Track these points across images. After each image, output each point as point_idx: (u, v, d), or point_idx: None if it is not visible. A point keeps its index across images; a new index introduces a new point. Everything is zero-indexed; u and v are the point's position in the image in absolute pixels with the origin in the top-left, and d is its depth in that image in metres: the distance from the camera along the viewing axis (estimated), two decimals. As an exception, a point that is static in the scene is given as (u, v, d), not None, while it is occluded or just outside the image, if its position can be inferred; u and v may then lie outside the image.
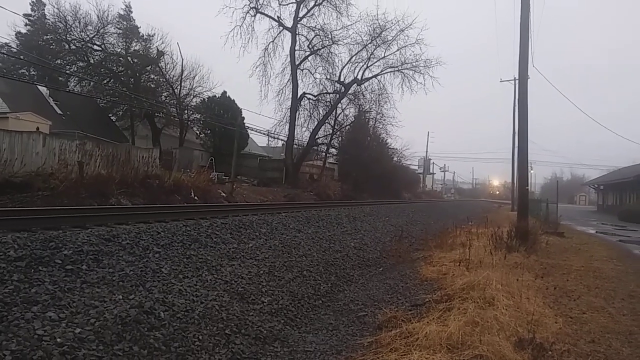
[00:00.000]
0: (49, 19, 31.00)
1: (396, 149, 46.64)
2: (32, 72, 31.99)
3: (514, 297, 6.17)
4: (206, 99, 34.17)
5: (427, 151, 73.16)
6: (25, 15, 30.85)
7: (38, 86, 28.73)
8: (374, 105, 36.98)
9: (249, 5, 31.37)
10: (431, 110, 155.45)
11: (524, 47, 13.87)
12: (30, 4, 32.12)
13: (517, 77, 16.86)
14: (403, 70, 33.79)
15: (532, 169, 44.39)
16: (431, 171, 79.17)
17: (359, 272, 9.97)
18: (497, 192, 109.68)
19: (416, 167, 68.21)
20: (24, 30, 30.92)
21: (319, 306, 7.38)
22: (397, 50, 33.43)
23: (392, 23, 32.72)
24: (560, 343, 4.83)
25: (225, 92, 34.29)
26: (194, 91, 33.87)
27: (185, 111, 33.21)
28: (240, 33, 31.76)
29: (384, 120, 38.19)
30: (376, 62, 34.25)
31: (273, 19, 32.58)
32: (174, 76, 32.64)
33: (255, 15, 31.90)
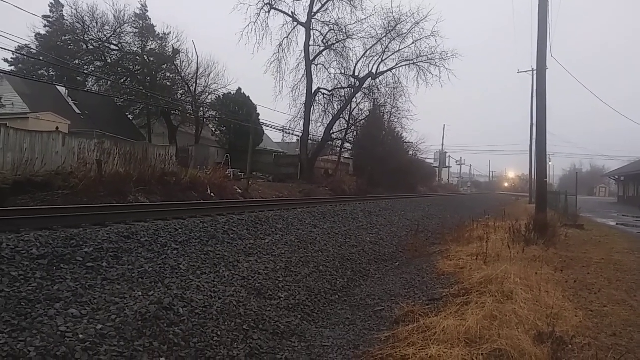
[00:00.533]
0: (67, 20, 31.62)
1: (412, 142, 46.49)
2: (52, 73, 32.63)
3: (533, 291, 6.09)
4: (221, 96, 34.43)
5: (442, 144, 72.58)
6: (44, 16, 31.51)
7: (57, 86, 29.28)
8: (389, 99, 36.87)
9: (263, 1, 31.50)
10: (447, 103, 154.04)
11: (542, 37, 13.61)
12: (49, 5, 32.82)
13: (534, 68, 16.58)
14: (418, 63, 33.59)
15: (550, 161, 43.62)
16: (447, 164, 78.48)
17: (375, 266, 9.95)
18: (513, 185, 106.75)
19: (432, 161, 67.71)
20: (43, 32, 31.58)
21: (336, 301, 7.39)
22: (412, 43, 33.27)
23: (407, 16, 32.55)
24: (581, 337, 4.75)
25: (240, 89, 34.52)
26: (210, 88, 34.23)
27: (201, 108, 33.52)
28: (255, 29, 31.92)
29: (399, 114, 38.04)
30: (391, 55, 34.13)
31: (287, 14, 32.63)
32: (189, 74, 33.00)
33: (269, 12, 32.01)
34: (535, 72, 15.54)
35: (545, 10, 13.65)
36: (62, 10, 32.37)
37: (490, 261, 8.08)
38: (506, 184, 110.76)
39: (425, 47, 33.04)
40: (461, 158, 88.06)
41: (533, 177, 34.97)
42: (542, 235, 11.30)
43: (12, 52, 26.34)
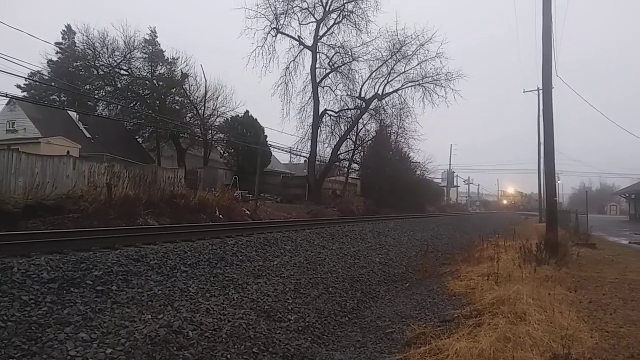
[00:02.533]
0: (78, 47, 32.31)
1: (419, 162, 46.54)
2: (63, 98, 33.18)
3: (546, 312, 5.99)
4: (229, 119, 34.82)
5: (450, 164, 72.36)
6: (56, 43, 32.20)
7: (68, 111, 29.75)
8: (395, 120, 37.13)
9: (270, 26, 32.12)
10: (454, 122, 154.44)
11: (546, 57, 13.65)
12: (61, 32, 33.58)
13: (540, 88, 16.62)
14: (424, 84, 33.88)
15: (559, 179, 43.32)
16: (455, 184, 78.16)
17: (385, 287, 9.85)
18: (513, 202, 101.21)
19: (439, 180, 67.47)
20: (55, 58, 32.21)
21: (346, 323, 7.31)
22: (418, 64, 33.64)
23: (411, 38, 32.97)
24: (597, 359, 4.65)
25: (247, 112, 34.90)
26: (218, 111, 34.65)
27: (209, 131, 33.83)
28: (262, 53, 32.46)
29: (406, 134, 38.21)
30: (396, 76, 34.48)
31: (294, 38, 33.20)
32: (197, 97, 33.47)
33: (276, 36, 32.62)
34: (541, 91, 15.53)
35: (549, 31, 13.74)
36: (73, 37, 33.12)
37: (501, 281, 7.97)
38: (505, 202, 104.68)
39: (431, 68, 33.41)
40: (469, 177, 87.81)
41: (542, 196, 34.70)
42: (554, 255, 11.15)
43: (25, 78, 26.91)
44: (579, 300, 7.07)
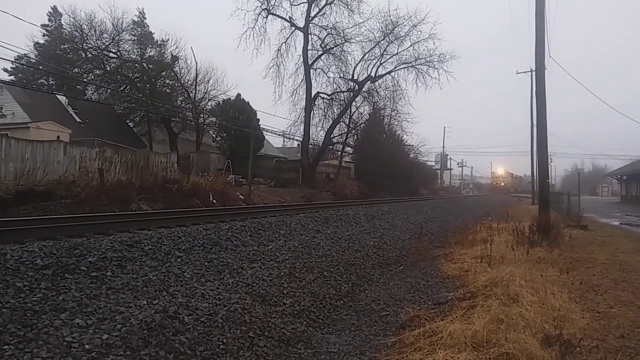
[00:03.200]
0: (65, 29, 31.70)
1: (412, 145, 46.53)
2: (51, 82, 32.68)
3: (539, 293, 6.07)
4: (221, 102, 34.48)
5: (443, 147, 72.53)
6: (42, 25, 31.57)
7: (57, 95, 29.32)
8: (388, 102, 36.92)
9: (260, 6, 31.60)
10: (447, 104, 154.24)
11: (539, 38, 13.62)
12: (47, 14, 32.88)
13: (533, 69, 16.58)
14: (417, 66, 33.69)
15: (552, 162, 43.59)
16: (449, 167, 78.46)
17: (380, 271, 9.93)
18: (503, 184, 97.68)
19: (433, 163, 67.69)
20: (42, 41, 31.62)
21: (341, 306, 7.37)
22: (410, 46, 33.35)
23: (404, 19, 32.63)
24: (589, 339, 4.73)
25: (239, 95, 34.53)
26: (209, 95, 34.29)
27: (201, 115, 33.55)
28: (253, 35, 32.07)
29: (399, 117, 38.06)
30: (389, 58, 34.21)
31: (285, 19, 32.74)
32: (188, 80, 33.06)
33: (267, 17, 32.13)
34: (534, 72, 15.51)
35: (542, 12, 13.67)
36: (60, 19, 32.43)
37: (494, 263, 8.06)
38: (494, 183, 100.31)
39: (424, 50, 33.17)
40: (462, 160, 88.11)
41: (535, 177, 34.95)
42: (546, 237, 11.27)
43: (12, 61, 26.50)
44: (571, 281, 7.16)
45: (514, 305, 5.50)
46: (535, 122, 17.90)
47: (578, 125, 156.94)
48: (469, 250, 10.22)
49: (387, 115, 38.89)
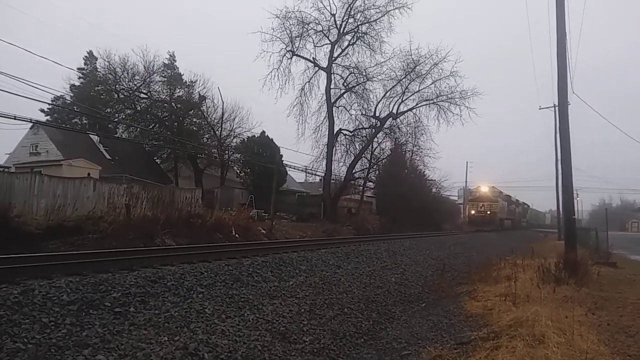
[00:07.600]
0: (100, 72, 33.32)
1: (434, 180, 46.11)
2: (84, 121, 34.10)
3: (566, 334, 5.87)
4: (246, 139, 35.28)
5: (466, 181, 71.29)
6: (79, 69, 33.26)
7: (89, 134, 30.54)
8: (410, 138, 37.04)
9: (285, 49, 32.59)
10: (470, 139, 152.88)
11: (562, 73, 13.61)
12: (83, 58, 34.67)
13: (556, 104, 16.52)
14: (438, 103, 33.88)
15: (578, 196, 42.48)
16: (472, 201, 77.05)
17: (401, 308, 9.76)
18: (488, 212, 51.20)
19: (456, 198, 66.74)
20: (77, 83, 33.23)
21: (361, 345, 7.26)
22: (432, 83, 33.69)
23: (425, 57, 33.05)
24: (619, 384, 4.55)
25: (264, 132, 35.36)
26: (234, 132, 35.14)
27: (226, 151, 34.29)
28: (278, 75, 32.84)
29: (421, 152, 38.02)
30: (411, 95, 34.58)
31: (309, 60, 33.63)
32: (215, 119, 34.07)
33: (291, 58, 33.07)
34: (556, 107, 15.43)
35: (563, 46, 13.69)
36: (95, 63, 34.19)
37: (519, 302, 7.84)
38: (473, 212, 53.88)
39: (445, 87, 33.41)
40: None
41: (561, 213, 34.05)
42: (573, 274, 10.91)
43: (48, 103, 27.77)
44: (600, 322, 6.91)
45: (539, 346, 5.34)
46: (559, 157, 17.67)
47: (604, 157, 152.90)
48: (492, 288, 9.97)
49: (409, 151, 38.98)
